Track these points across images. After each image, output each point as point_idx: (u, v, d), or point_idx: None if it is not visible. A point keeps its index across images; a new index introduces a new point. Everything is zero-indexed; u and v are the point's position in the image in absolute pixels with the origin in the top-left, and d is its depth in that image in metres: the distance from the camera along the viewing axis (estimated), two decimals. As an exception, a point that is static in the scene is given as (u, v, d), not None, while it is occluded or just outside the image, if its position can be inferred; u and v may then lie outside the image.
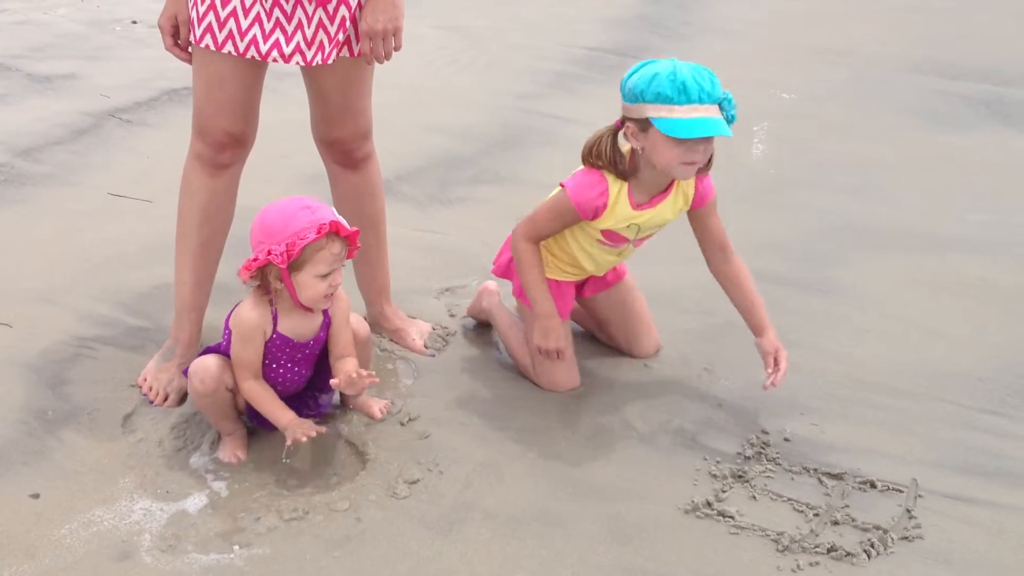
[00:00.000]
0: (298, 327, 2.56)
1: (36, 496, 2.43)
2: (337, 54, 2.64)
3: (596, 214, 2.79)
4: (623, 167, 2.75)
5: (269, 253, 2.42)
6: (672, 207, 2.84)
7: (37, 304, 3.23)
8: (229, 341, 2.55)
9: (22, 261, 3.51)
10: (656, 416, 2.83)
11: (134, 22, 6.05)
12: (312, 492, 2.48)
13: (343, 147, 2.89)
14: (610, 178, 2.77)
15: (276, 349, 2.56)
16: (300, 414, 2.68)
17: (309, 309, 2.54)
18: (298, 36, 2.60)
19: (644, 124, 2.65)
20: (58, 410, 2.74)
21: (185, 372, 2.63)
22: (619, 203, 2.78)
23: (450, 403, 2.85)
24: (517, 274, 2.93)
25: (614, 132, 2.75)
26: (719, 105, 2.61)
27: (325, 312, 2.59)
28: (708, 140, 2.64)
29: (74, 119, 4.76)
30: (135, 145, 4.53)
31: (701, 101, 2.60)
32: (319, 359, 2.67)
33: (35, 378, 2.86)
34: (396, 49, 2.66)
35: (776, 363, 2.81)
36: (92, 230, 3.76)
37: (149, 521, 2.38)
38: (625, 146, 2.75)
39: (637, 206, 2.79)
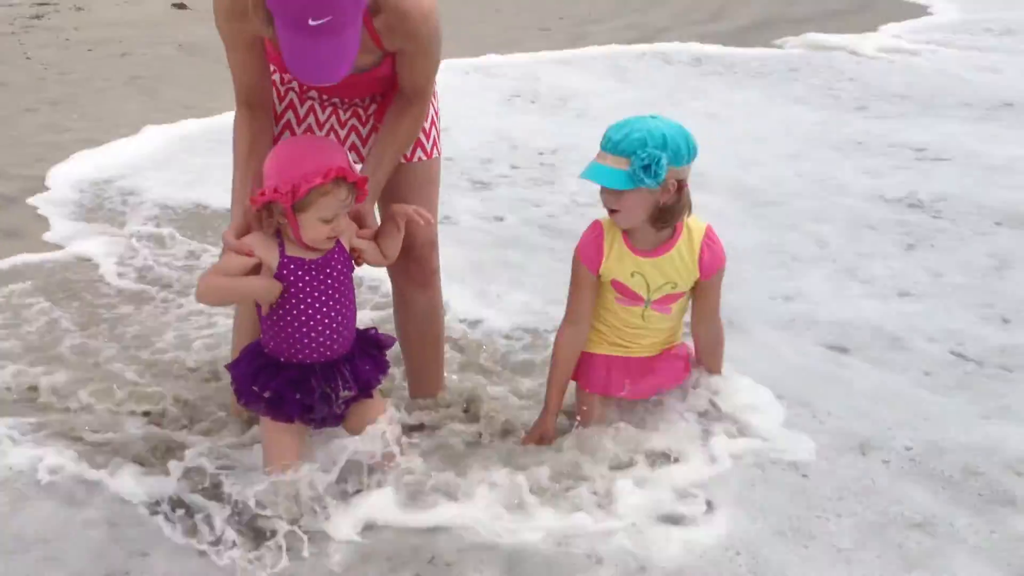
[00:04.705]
0: (306, 252, 2.57)
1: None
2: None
3: (596, 259, 2.84)
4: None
5: (275, 191, 2.44)
6: (678, 265, 2.85)
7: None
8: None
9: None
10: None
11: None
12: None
13: (417, 252, 2.86)
14: (605, 223, 2.85)
15: (291, 274, 2.53)
16: (338, 388, 2.61)
17: (312, 248, 2.56)
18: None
19: None
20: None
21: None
22: (615, 246, 2.84)
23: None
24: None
25: None
26: (628, 158, 2.66)
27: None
28: (606, 188, 2.72)
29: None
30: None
31: (604, 148, 2.71)
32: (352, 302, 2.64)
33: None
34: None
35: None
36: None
37: None
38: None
39: (639, 252, 2.83)
